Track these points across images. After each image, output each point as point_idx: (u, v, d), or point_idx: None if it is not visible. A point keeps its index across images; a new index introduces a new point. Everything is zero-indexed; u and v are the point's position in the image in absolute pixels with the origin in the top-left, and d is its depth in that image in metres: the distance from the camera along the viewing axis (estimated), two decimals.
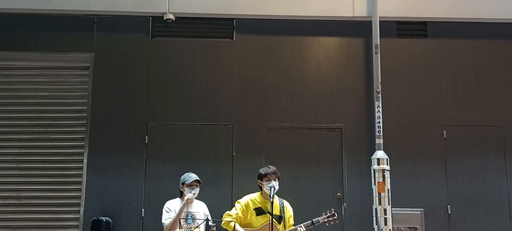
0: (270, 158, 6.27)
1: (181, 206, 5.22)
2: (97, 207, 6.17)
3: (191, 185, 5.30)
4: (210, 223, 4.86)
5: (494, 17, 6.69)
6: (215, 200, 6.08)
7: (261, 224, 5.11)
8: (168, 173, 6.29)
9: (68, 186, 6.32)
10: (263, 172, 5.22)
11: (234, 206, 5.26)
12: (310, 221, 5.06)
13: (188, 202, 5.22)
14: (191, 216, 5.21)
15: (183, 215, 5.17)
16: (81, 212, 6.20)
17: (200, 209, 5.36)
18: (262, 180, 5.21)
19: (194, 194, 5.28)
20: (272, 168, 5.25)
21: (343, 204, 6.31)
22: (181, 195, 5.38)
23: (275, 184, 5.13)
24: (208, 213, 5.41)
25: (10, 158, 6.40)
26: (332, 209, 5.14)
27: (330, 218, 5.10)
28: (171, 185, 6.19)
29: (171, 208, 5.27)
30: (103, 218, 6.05)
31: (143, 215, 6.21)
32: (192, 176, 5.35)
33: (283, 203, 5.27)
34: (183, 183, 5.35)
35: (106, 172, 6.28)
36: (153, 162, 6.33)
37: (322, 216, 5.09)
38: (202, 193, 5.45)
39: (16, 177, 6.35)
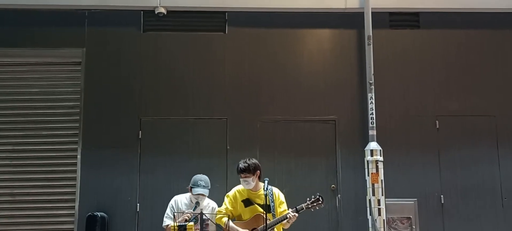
0: (264, 151, 6.30)
1: (187, 208, 5.28)
2: (92, 203, 6.17)
3: (196, 196, 5.30)
4: (204, 217, 4.87)
5: (486, 7, 6.68)
6: (210, 193, 6.07)
7: (250, 216, 5.07)
8: (162, 167, 6.30)
9: (63, 182, 6.31)
10: (237, 170, 5.15)
11: (224, 200, 5.27)
12: (294, 208, 4.93)
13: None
14: (194, 218, 5.06)
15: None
16: (76, 207, 6.20)
17: (206, 209, 5.31)
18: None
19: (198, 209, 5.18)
20: (243, 164, 5.06)
21: (337, 195, 6.34)
22: (190, 190, 5.38)
23: (250, 180, 5.02)
24: (215, 206, 5.42)
25: (4, 155, 6.36)
26: (317, 193, 5.00)
27: (315, 203, 4.92)
28: (165, 179, 6.23)
29: (174, 209, 5.31)
30: (98, 213, 6.06)
31: (138, 210, 6.21)
32: (198, 188, 5.26)
33: (271, 190, 5.15)
34: (191, 187, 5.34)
35: (100, 168, 6.26)
36: (147, 156, 6.32)
37: (306, 202, 4.93)
38: None
39: (10, 174, 6.32)
